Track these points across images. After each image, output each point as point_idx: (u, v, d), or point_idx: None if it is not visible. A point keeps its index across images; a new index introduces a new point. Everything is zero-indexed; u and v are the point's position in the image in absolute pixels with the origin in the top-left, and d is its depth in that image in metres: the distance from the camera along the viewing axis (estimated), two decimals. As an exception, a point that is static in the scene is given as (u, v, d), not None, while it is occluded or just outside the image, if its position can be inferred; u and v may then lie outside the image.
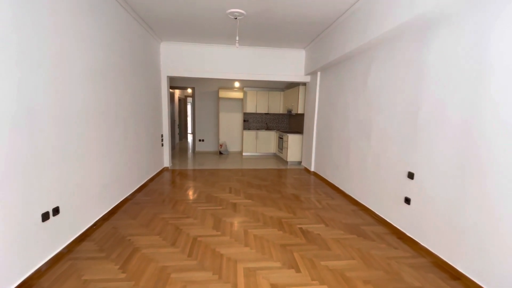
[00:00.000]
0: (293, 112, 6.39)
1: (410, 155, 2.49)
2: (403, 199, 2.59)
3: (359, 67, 3.52)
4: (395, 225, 2.72)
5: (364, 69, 3.38)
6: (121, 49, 3.25)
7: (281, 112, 7.53)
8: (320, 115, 4.95)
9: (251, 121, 7.78)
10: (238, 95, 7.44)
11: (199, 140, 7.68)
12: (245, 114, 7.71)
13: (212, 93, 7.53)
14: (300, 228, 2.73)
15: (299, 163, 6.16)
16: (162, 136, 5.17)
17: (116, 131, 3.13)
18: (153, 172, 4.64)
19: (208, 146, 7.71)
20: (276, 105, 7.48)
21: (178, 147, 8.77)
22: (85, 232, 2.47)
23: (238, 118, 7.75)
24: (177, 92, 9.20)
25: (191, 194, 3.78)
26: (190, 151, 7.89)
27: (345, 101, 3.92)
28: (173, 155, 6.97)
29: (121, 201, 3.28)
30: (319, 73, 5.02)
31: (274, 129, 7.70)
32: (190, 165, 5.81)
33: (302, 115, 6.45)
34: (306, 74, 5.43)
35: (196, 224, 2.78)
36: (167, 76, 5.17)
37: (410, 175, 2.48)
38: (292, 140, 6.06)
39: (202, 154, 7.39)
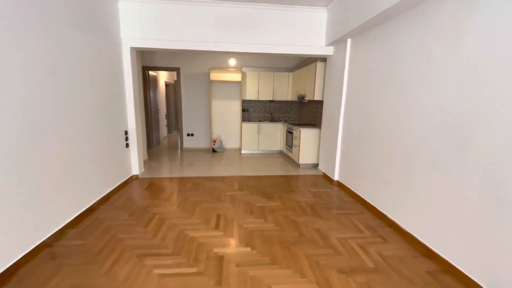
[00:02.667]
0: (306, 98, 4.85)
1: None
2: None
3: (441, 18, 1.97)
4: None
5: (458, 18, 1.83)
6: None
7: (289, 99, 5.99)
8: (351, 101, 3.42)
9: (251, 111, 6.26)
10: (235, 77, 5.88)
11: (188, 135, 6.20)
12: (244, 102, 6.18)
13: (201, 76, 5.97)
14: None
15: (315, 166, 4.69)
16: (126, 133, 3.69)
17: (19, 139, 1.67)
18: (110, 187, 3.21)
19: (198, 142, 6.24)
20: (284, 90, 5.93)
21: (167, 142, 7.32)
22: None
23: (235, 107, 6.22)
24: (162, 75, 7.64)
25: (151, 233, 2.35)
26: (179, 147, 6.43)
27: (404, 79, 2.39)
28: (153, 155, 5.53)
29: (30, 251, 1.88)
30: (349, 41, 3.45)
31: (280, 121, 6.18)
32: (170, 171, 4.36)
33: (319, 102, 4.91)
34: (328, 45, 3.85)
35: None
36: (131, 48, 3.63)
37: None
38: (306, 136, 4.56)
39: (191, 152, 5.94)
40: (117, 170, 3.42)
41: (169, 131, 8.93)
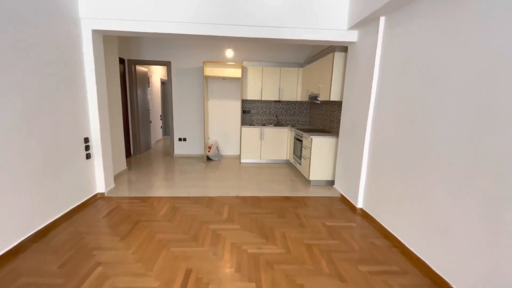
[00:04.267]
0: (320, 98, 3.91)
1: None
2: None
3: None
4: None
5: None
6: None
7: (299, 99, 5.06)
8: (384, 103, 2.47)
9: (253, 113, 5.36)
10: (234, 72, 5.00)
11: (180, 140, 5.36)
12: (244, 102, 5.29)
13: (195, 71, 5.11)
14: None
15: (329, 183, 3.75)
16: (87, 141, 2.87)
17: None
18: (55, 214, 2.38)
19: (192, 148, 5.39)
20: (292, 88, 5.00)
21: (161, 146, 6.51)
22: None
23: (234, 108, 5.34)
24: (157, 72, 6.85)
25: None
26: (171, 153, 5.59)
27: (491, 74, 1.43)
28: (137, 163, 4.71)
29: None
30: (383, 20, 2.50)
31: (288, 125, 5.26)
32: (147, 187, 3.52)
33: (336, 104, 3.97)
34: (351, 28, 2.91)
35: None
36: (94, 31, 2.80)
37: None
38: (319, 145, 3.62)
39: (183, 160, 5.10)
40: (69, 190, 2.59)
41: (165, 134, 8.16)
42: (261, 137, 4.85)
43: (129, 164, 4.62)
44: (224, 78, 5.14)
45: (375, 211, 2.59)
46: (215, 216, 2.67)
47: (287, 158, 4.99)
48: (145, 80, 5.76)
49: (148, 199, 3.07)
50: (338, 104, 3.91)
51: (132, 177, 3.89)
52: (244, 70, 4.81)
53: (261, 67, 4.84)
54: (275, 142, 4.90)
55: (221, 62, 4.78)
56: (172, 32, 2.85)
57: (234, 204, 2.99)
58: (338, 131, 3.85)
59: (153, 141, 6.81)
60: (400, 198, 2.20)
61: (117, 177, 3.75)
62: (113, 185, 3.34)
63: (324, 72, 3.76)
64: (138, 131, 5.35)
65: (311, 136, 3.59)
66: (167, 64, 5.06)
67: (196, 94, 5.17)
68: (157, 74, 6.99)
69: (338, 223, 2.60)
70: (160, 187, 3.48)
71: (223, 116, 5.32)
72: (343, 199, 3.20)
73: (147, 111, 5.90)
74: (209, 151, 4.99)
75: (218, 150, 5.22)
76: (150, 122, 6.55)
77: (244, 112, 5.31)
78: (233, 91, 5.24)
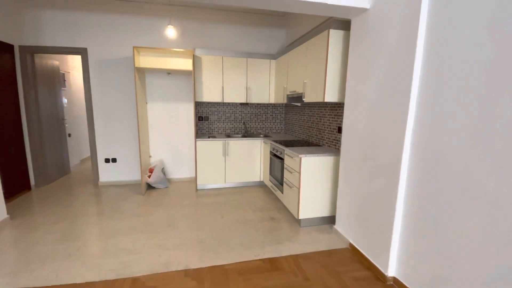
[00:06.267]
0: (307, 99, 2.75)
1: None
2: None
3: None
4: None
5: None
6: None
7: (271, 101, 3.87)
8: (437, 102, 1.37)
9: (213, 120, 4.02)
10: (182, 64, 3.62)
11: (106, 161, 3.75)
12: (200, 105, 3.93)
13: (123, 62, 3.57)
14: None
15: (327, 220, 2.60)
16: None
17: None
18: None
19: (124, 172, 3.80)
20: (262, 86, 3.79)
21: (89, 167, 4.71)
22: None
23: (186, 114, 3.92)
24: (75, 66, 5.05)
25: None
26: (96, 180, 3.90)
27: None
28: (38, 200, 3.00)
29: None
30: (435, -44, 1.41)
31: (259, 135, 4.04)
32: (26, 259, 1.94)
33: (327, 105, 2.87)
34: (365, -17, 1.79)
35: None
36: None
37: None
38: (311, 168, 2.45)
39: (111, 190, 3.51)
40: None
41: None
42: (225, 152, 3.54)
43: (17, 206, 2.90)
44: (169, 73, 3.70)
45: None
46: None
47: (261, 179, 3.76)
48: (55, 77, 4.01)
49: (3, 301, 1.54)
50: (330, 107, 2.81)
51: (7, 237, 2.24)
52: (196, 61, 3.45)
53: (220, 57, 3.53)
54: (245, 159, 3.63)
55: (162, 48, 3.34)
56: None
57: (178, 294, 1.63)
58: (331, 144, 2.74)
59: (76, 161, 5.00)
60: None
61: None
62: None
63: (312, 60, 2.61)
64: (42, 150, 3.60)
65: (300, 156, 2.40)
66: (81, 52, 3.43)
67: (128, 95, 3.63)
68: (79, 70, 5.18)
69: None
70: (46, 261, 1.93)
71: (171, 125, 3.87)
72: (355, 253, 2.07)
73: (60, 121, 4.14)
74: (149, 177, 3.49)
75: (164, 173, 3.74)
76: (69, 135, 4.75)
77: (200, 119, 3.94)
78: (183, 91, 3.83)
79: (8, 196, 3.02)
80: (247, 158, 3.64)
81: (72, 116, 4.96)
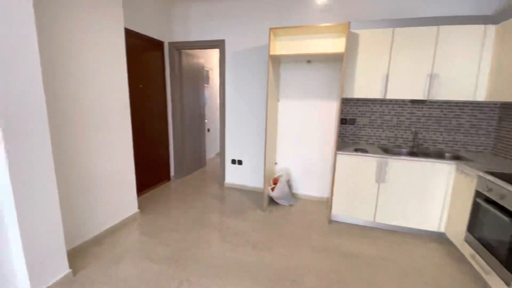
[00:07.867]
0: None
1: None
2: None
3: None
4: None
5: None
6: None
7: (480, 99, 2.21)
8: None
9: (362, 124, 2.83)
10: (330, 46, 2.65)
11: (233, 162, 3.44)
12: (347, 102, 2.85)
13: (256, 52, 3.02)
14: None
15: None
16: None
17: None
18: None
19: (249, 176, 3.35)
20: (464, 72, 2.20)
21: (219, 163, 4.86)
22: None
23: (325, 114, 2.95)
24: (216, 65, 5.20)
25: None
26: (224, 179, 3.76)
27: None
28: (169, 194, 3.08)
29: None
30: None
31: (444, 154, 2.50)
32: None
33: None
34: None
35: None
36: None
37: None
38: None
39: (234, 194, 3.16)
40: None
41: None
42: (380, 176, 2.32)
43: (153, 197, 3.04)
44: (309, 61, 2.85)
45: None
46: None
47: (441, 230, 2.25)
48: (200, 74, 4.15)
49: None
50: None
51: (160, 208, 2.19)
52: (351, 39, 2.39)
53: (390, 29, 2.29)
54: (413, 192, 2.26)
55: (305, 26, 2.50)
56: None
57: None
58: None
59: (212, 155, 5.24)
60: None
61: (103, 238, 2.13)
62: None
63: None
64: (183, 143, 3.78)
65: None
66: (219, 44, 3.21)
67: (260, 89, 3.11)
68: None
69: None
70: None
71: (303, 127, 3.04)
72: None
73: (202, 116, 4.31)
74: (273, 189, 2.84)
75: (289, 188, 2.99)
76: (208, 130, 4.99)
77: (342, 122, 2.88)
78: (324, 84, 2.89)
79: (151, 185, 3.24)
80: (418, 191, 2.24)
81: (211, 112, 5.21)
